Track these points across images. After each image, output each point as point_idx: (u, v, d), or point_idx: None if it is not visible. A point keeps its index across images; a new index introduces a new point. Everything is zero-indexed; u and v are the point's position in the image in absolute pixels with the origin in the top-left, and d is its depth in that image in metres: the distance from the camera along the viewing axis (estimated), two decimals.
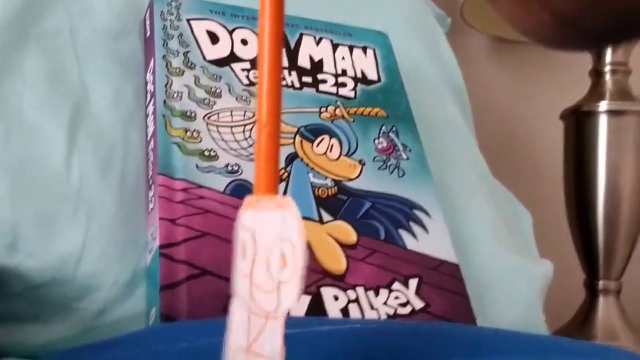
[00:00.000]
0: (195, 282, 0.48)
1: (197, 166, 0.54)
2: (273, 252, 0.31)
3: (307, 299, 0.51)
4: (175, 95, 0.57)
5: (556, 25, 0.27)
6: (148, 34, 0.61)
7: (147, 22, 0.62)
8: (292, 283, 0.31)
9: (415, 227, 0.59)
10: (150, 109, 0.57)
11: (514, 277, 0.63)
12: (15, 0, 0.56)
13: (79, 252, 0.48)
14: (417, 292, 0.55)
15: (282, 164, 0.57)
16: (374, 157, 0.62)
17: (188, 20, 0.61)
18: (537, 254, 0.74)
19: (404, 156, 0.63)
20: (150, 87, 0.59)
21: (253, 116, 0.59)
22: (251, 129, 0.58)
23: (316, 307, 0.50)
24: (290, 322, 0.45)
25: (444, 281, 0.56)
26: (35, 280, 0.47)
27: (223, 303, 0.47)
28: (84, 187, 0.51)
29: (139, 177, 0.55)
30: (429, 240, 0.58)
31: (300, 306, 0.50)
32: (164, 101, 0.56)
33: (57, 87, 0.55)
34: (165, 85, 0.57)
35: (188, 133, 0.55)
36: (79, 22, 0.59)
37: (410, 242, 0.58)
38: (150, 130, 0.57)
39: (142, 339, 0.41)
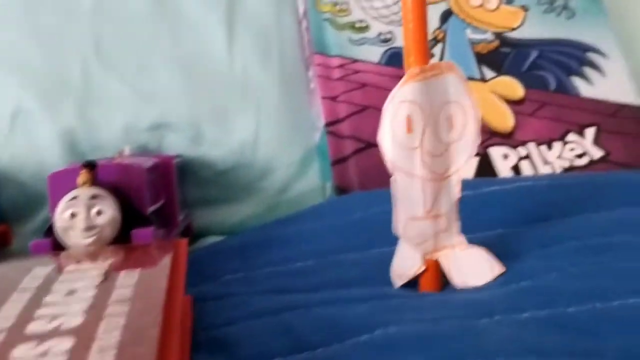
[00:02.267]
0: (362, 155, 0.49)
1: (350, 40, 0.54)
2: (440, 117, 0.31)
3: (474, 160, 0.50)
4: None
5: None
6: None
7: None
8: (465, 139, 0.32)
9: (590, 72, 0.55)
10: None
11: None
12: None
13: (254, 137, 0.52)
14: (595, 141, 0.52)
15: (436, 24, 0.55)
16: (538, 0, 0.57)
17: None
18: None
19: None
20: None
21: None
22: None
23: (485, 168, 0.50)
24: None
25: (625, 126, 0.52)
26: (220, 167, 0.52)
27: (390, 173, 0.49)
28: (248, 76, 0.53)
29: (297, 59, 0.56)
30: (606, 84, 0.54)
31: (468, 168, 0.50)
32: None
33: None
34: None
35: (337, 7, 0.55)
36: None
37: (584, 89, 0.54)
38: (301, 9, 0.57)
39: (320, 212, 0.43)
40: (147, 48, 0.54)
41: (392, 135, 0.31)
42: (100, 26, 0.54)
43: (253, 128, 0.52)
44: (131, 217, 0.36)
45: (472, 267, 0.33)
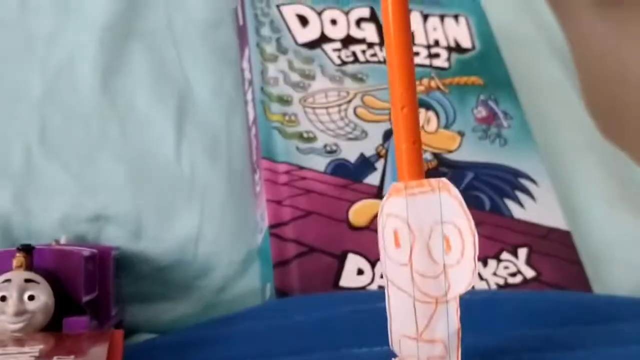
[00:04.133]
0: (305, 259, 0.50)
1: (297, 148, 0.55)
2: (432, 236, 0.29)
3: None
4: (272, 81, 0.58)
5: None
6: (241, 22, 0.63)
7: (240, 11, 0.64)
8: (463, 265, 0.29)
9: (522, 196, 0.58)
10: (249, 96, 0.59)
11: (631, 242, 0.60)
12: (119, 1, 0.59)
13: (196, 234, 0.51)
14: (528, 261, 0.54)
15: (379, 140, 0.58)
16: (474, 127, 0.61)
17: (278, 7, 0.62)
18: None
19: (505, 124, 0.62)
20: (247, 74, 0.60)
21: (347, 95, 0.60)
22: (346, 109, 0.59)
23: None
24: None
25: (555, 249, 0.55)
26: (160, 263, 0.51)
27: (332, 278, 0.49)
28: (195, 174, 0.54)
29: (244, 162, 0.57)
30: (537, 208, 0.57)
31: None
32: (262, 87, 0.58)
33: (163, 80, 0.58)
34: (262, 72, 0.58)
35: (286, 117, 0.57)
36: (176, 16, 0.62)
37: (517, 211, 0.56)
38: (251, 116, 0.58)
39: (260, 314, 0.43)
40: (94, 139, 0.53)
41: (384, 247, 0.30)
42: (48, 114, 0.53)
43: (196, 225, 0.52)
44: (64, 305, 0.34)
45: None
